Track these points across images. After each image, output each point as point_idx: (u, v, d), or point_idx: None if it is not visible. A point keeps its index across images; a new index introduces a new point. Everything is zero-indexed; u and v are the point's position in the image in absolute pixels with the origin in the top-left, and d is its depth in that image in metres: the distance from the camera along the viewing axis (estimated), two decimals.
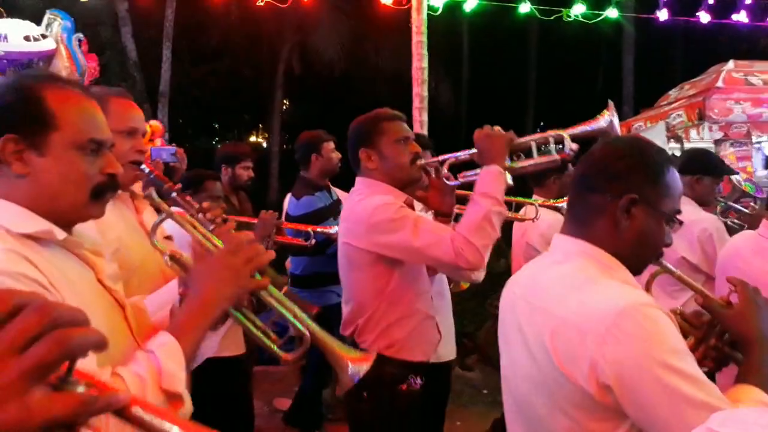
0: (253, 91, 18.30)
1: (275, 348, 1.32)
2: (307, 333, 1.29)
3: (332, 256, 3.42)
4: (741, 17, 7.00)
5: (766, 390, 1.25)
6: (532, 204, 2.94)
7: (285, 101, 25.86)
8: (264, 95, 18.06)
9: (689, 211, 2.90)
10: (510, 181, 2.20)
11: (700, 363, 1.22)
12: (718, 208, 3.72)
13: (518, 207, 3.11)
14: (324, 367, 3.65)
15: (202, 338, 1.23)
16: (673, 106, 8.20)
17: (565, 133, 2.12)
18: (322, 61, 16.29)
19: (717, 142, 7.42)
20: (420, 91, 6.15)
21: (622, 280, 1.31)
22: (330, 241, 3.36)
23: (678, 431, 1.12)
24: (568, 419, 1.26)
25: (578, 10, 6.54)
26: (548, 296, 1.34)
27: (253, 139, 29.45)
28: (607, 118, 2.10)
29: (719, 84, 7.65)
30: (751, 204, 4.52)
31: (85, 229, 1.29)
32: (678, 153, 7.96)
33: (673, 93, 8.97)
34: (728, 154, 7.41)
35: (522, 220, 3.09)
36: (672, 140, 7.90)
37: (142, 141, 1.89)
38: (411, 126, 6.49)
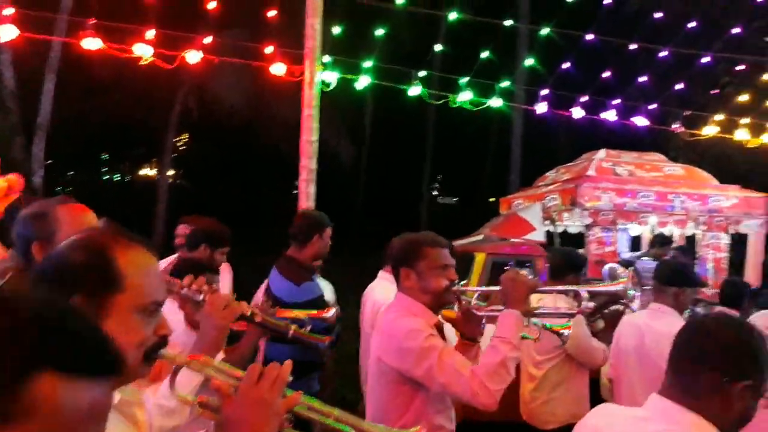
0: (146, 127, 17.71)
1: None
2: None
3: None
4: (609, 115, 7.64)
5: None
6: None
7: (184, 136, 25.24)
8: (157, 131, 17.48)
9: (673, 322, 3.08)
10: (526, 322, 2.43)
11: None
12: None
13: None
14: None
15: None
16: (549, 188, 8.73)
17: (584, 292, 2.45)
18: (221, 109, 16.03)
19: (587, 227, 7.95)
20: (308, 164, 6.12)
21: None
22: (327, 328, 3.26)
23: None
24: None
25: (465, 97, 6.86)
26: None
27: (145, 171, 28.56)
28: (624, 287, 2.47)
29: (590, 172, 8.26)
30: None
31: None
32: (551, 230, 8.43)
33: (550, 175, 9.57)
34: (596, 238, 7.95)
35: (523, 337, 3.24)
36: (547, 221, 8.39)
37: None
38: (296, 198, 6.38)
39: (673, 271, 3.68)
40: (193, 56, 5.47)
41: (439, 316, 2.52)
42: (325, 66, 6.06)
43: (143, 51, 5.46)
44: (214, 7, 5.68)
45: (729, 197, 8.32)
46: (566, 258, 4.21)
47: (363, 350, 3.99)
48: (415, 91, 6.64)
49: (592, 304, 2.41)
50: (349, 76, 6.20)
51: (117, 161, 26.85)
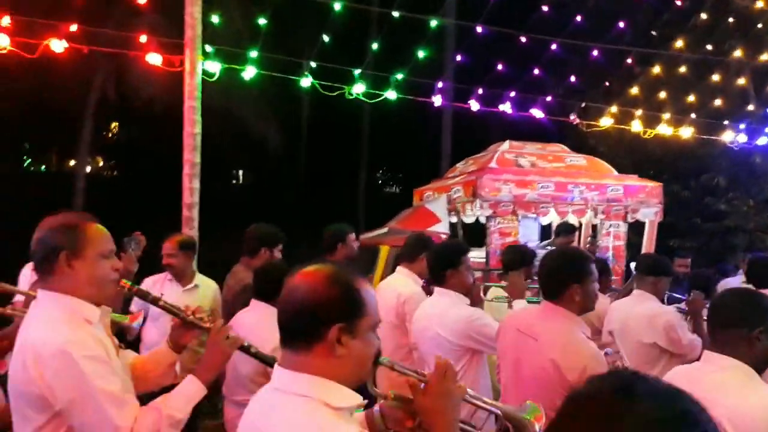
0: (63, 116, 16.96)
1: None
2: (499, 411, 1.79)
3: None
4: (506, 107, 7.73)
5: None
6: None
7: (114, 125, 24.41)
8: (75, 120, 16.77)
9: (653, 306, 4.04)
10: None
11: None
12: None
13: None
14: None
15: None
16: (455, 180, 8.81)
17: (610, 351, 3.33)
18: (142, 96, 15.55)
19: (487, 218, 8.06)
20: (192, 157, 5.98)
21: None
22: None
23: None
24: None
25: (359, 89, 6.82)
26: (717, 393, 2.06)
27: (71, 162, 27.55)
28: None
29: (492, 165, 8.36)
30: None
31: None
32: (455, 221, 8.50)
33: (459, 166, 9.66)
34: (497, 229, 8.08)
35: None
36: (452, 213, 8.48)
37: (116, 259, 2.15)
38: (181, 193, 6.24)
39: (652, 262, 4.30)
40: (56, 45, 5.23)
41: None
42: (207, 56, 5.91)
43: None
44: None
45: (627, 187, 8.59)
46: (519, 253, 4.81)
47: (384, 336, 4.42)
48: (306, 82, 6.56)
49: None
50: (233, 66, 6.06)
51: (40, 152, 25.71)
